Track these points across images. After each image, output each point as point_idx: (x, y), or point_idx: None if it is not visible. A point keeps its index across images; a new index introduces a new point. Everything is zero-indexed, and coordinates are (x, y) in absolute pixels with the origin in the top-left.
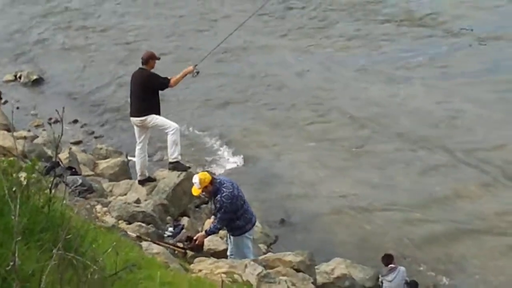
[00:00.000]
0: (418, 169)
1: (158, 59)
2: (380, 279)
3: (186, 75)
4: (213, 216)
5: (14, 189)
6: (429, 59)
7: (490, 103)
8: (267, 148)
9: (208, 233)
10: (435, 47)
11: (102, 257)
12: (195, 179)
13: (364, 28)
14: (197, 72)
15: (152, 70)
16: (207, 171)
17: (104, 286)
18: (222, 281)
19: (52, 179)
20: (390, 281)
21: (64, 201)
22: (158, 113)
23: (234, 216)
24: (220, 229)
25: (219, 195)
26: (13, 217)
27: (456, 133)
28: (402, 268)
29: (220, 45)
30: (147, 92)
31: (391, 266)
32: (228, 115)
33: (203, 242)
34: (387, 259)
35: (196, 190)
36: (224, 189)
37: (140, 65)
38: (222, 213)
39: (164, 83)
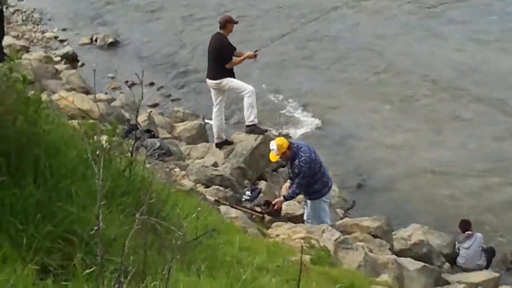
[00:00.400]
0: (497, 133)
1: (236, 23)
2: (456, 246)
3: (244, 59)
4: (289, 180)
5: (97, 152)
6: (504, 21)
7: None
8: (343, 110)
9: (287, 198)
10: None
11: (184, 222)
12: (273, 145)
13: None
14: (256, 56)
15: (229, 35)
16: (284, 137)
17: (185, 251)
18: (302, 247)
19: (133, 143)
20: (467, 248)
21: (145, 165)
22: (233, 76)
23: (312, 180)
24: (298, 194)
25: (297, 160)
26: (96, 181)
27: None
28: (479, 235)
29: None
30: (222, 57)
31: (468, 233)
32: (304, 78)
33: (281, 207)
34: (464, 225)
35: (274, 157)
36: (302, 154)
37: (218, 29)
38: (300, 178)
39: (226, 59)
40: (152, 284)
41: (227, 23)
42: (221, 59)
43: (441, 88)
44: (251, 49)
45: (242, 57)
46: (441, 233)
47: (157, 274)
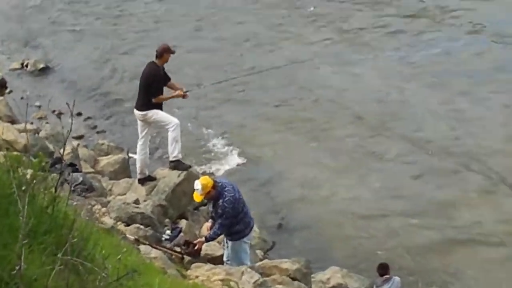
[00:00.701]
0: (419, 173)
1: (173, 52)
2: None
3: (173, 97)
4: (210, 220)
5: (23, 188)
6: (438, 56)
7: (496, 106)
8: (268, 147)
9: (208, 239)
10: (445, 42)
11: (106, 262)
12: (197, 185)
13: (372, 24)
14: (186, 96)
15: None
16: (208, 175)
17: None
18: None
19: (58, 177)
20: None
21: (68, 201)
22: (160, 108)
23: (234, 220)
24: (220, 234)
25: (221, 200)
26: (20, 218)
27: (459, 135)
28: (396, 279)
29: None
30: (151, 89)
31: (385, 277)
32: (230, 113)
33: (201, 248)
34: (382, 269)
35: (198, 196)
36: (226, 193)
37: (154, 58)
38: (223, 219)
39: (153, 93)
40: None
41: (163, 53)
42: (150, 91)
43: (365, 125)
44: (184, 81)
45: (170, 95)
46: (360, 276)
47: None
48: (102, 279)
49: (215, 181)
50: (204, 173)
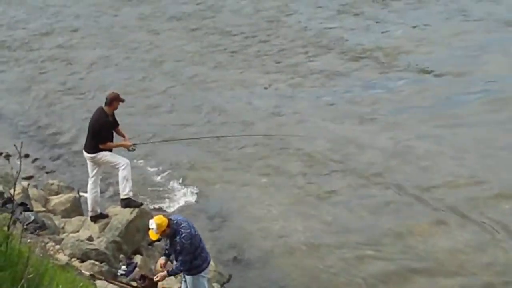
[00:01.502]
0: (371, 206)
1: (123, 101)
2: None
3: (120, 146)
4: (164, 257)
5: None
6: (383, 94)
7: (441, 139)
8: (219, 183)
9: (170, 273)
10: (389, 81)
11: None
12: (152, 224)
13: (317, 64)
14: (134, 149)
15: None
16: (162, 214)
17: None
18: None
19: (10, 216)
20: None
21: (21, 239)
22: (109, 150)
23: (192, 256)
24: (183, 271)
25: (178, 237)
26: None
27: (408, 170)
28: None
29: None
30: (99, 135)
31: None
32: (180, 150)
33: (156, 282)
34: None
35: (154, 235)
36: (182, 230)
37: (103, 105)
38: (183, 255)
39: (102, 139)
40: None
41: (113, 101)
42: (98, 136)
43: (315, 162)
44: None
45: (118, 144)
46: None
47: None
48: None
49: (169, 219)
50: (157, 210)
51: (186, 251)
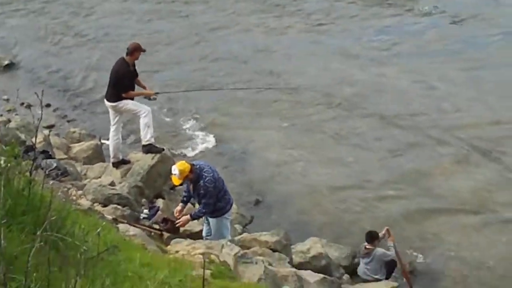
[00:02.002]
0: (392, 147)
1: (144, 51)
2: (358, 258)
3: (142, 95)
4: (181, 204)
5: None
6: (401, 38)
7: (461, 82)
8: (240, 128)
9: (193, 217)
10: (407, 26)
11: (86, 238)
12: (175, 170)
13: (335, 7)
14: (155, 99)
15: (136, 61)
16: (185, 160)
17: (88, 267)
18: (204, 261)
19: (32, 162)
20: (366, 263)
21: (43, 185)
22: (131, 99)
23: (216, 199)
24: (206, 213)
25: (201, 181)
26: None
27: (429, 111)
28: (379, 251)
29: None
30: (121, 83)
31: (368, 248)
32: (200, 97)
33: (184, 225)
34: (368, 237)
35: (176, 180)
36: (206, 174)
37: (124, 54)
38: (207, 198)
39: (123, 88)
40: None
41: (134, 51)
42: (119, 85)
43: (336, 104)
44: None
45: (140, 92)
46: (339, 246)
47: None
48: (83, 253)
49: (192, 165)
50: (178, 155)
51: (210, 194)
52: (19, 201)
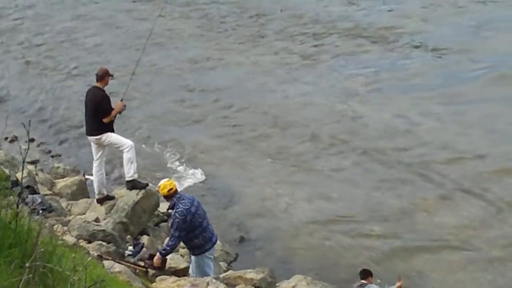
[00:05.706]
0: (376, 183)
1: (112, 76)
2: None
3: (117, 112)
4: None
5: None
6: (384, 72)
7: (444, 116)
8: (225, 164)
9: (162, 253)
10: (390, 60)
11: (73, 273)
12: (161, 182)
13: (318, 42)
14: (125, 106)
15: (105, 87)
16: (174, 183)
17: None
18: None
19: (18, 195)
20: None
21: (30, 217)
22: (112, 130)
23: (192, 235)
24: (173, 246)
25: (174, 210)
26: None
27: (413, 147)
28: (373, 287)
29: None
30: (100, 111)
31: (361, 282)
32: (186, 132)
33: (160, 262)
34: (362, 274)
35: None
36: (180, 205)
37: (95, 82)
38: (173, 230)
39: (104, 112)
40: None
41: (104, 76)
42: (100, 111)
43: (319, 141)
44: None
45: (115, 111)
46: (324, 283)
47: None
48: (72, 286)
49: (176, 190)
50: None
51: (178, 226)
52: (6, 234)
